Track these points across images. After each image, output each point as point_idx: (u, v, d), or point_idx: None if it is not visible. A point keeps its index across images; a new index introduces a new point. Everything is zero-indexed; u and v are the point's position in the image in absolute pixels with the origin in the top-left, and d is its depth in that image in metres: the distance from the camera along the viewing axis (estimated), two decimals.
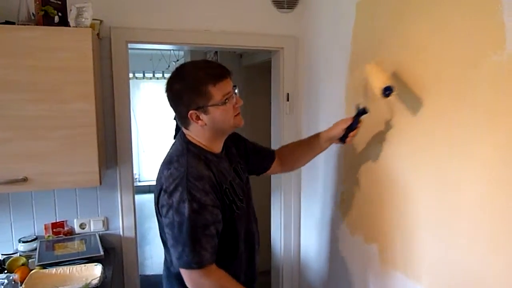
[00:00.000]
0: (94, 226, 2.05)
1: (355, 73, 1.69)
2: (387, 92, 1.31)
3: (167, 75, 5.25)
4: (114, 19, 1.94)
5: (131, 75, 6.06)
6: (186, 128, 1.31)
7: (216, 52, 3.49)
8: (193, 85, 1.23)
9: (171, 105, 1.29)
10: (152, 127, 6.29)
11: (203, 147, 1.30)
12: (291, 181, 2.32)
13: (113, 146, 2.01)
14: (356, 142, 1.69)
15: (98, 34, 1.87)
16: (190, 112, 1.24)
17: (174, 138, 1.41)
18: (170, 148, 1.37)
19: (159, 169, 1.30)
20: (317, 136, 1.61)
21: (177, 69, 1.28)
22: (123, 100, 2.00)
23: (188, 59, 3.88)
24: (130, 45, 2.01)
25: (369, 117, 1.51)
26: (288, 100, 2.24)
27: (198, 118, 1.24)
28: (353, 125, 1.50)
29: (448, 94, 1.20)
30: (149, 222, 4.81)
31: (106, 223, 2.07)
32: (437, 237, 1.26)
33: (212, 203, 1.20)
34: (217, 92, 1.23)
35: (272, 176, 2.44)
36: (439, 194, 1.25)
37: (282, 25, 2.20)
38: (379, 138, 1.54)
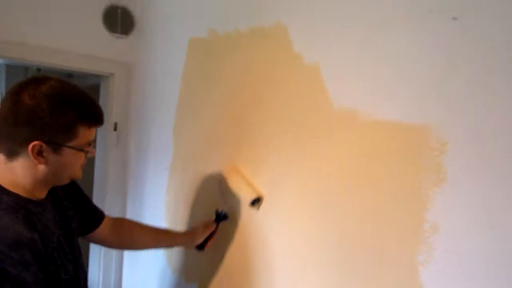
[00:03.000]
0: None
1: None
2: (254, 203, 1.27)
3: None
4: None
5: None
6: (9, 158, 0.93)
7: (39, 69, 3.10)
8: (61, 112, 0.91)
9: (1, 121, 0.92)
10: None
11: (22, 194, 0.95)
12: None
13: None
14: (178, 180, 1.68)
15: None
16: (35, 143, 0.90)
17: None
18: None
19: None
20: (170, 234, 1.43)
21: (39, 79, 0.93)
22: None
23: (3, 74, 3.33)
24: None
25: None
26: (115, 129, 2.11)
27: (40, 153, 0.91)
28: (213, 231, 1.38)
29: (262, 147, 1.30)
30: None
31: None
32: (244, 272, 1.31)
33: (34, 279, 0.88)
34: (85, 136, 0.96)
35: None
36: (248, 247, 1.31)
37: (114, 49, 2.08)
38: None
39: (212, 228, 1.36)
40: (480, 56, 0.81)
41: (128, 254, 2.15)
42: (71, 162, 0.98)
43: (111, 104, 2.11)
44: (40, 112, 0.89)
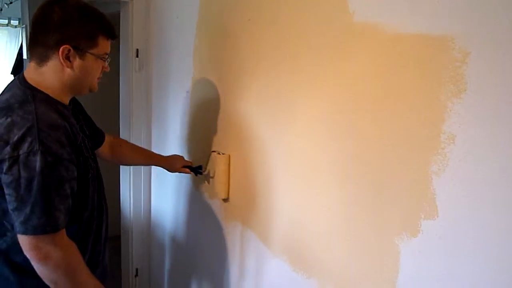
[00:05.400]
0: None
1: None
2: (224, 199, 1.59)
3: (1, 21, 4.49)
4: None
5: None
6: (40, 63, 1.08)
7: None
8: (85, 21, 1.07)
9: (37, 28, 1.07)
10: None
11: (53, 96, 1.10)
12: (141, 139, 2.25)
13: None
14: (198, 100, 1.72)
15: None
16: (64, 46, 1.05)
17: (12, 74, 1.21)
18: (2, 94, 1.12)
19: None
20: (154, 157, 1.74)
21: None
22: None
23: (26, 2, 3.36)
24: None
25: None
26: (137, 56, 2.12)
27: (67, 57, 1.07)
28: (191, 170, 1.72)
29: (282, 66, 1.30)
30: None
31: None
32: (264, 192, 1.39)
33: (68, 157, 1.04)
34: (103, 46, 1.13)
35: (121, 136, 2.32)
36: (268, 159, 1.37)
37: None
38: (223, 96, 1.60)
39: (186, 172, 1.71)
40: None
41: (155, 175, 2.28)
42: (91, 69, 1.14)
43: (131, 30, 2.11)
44: (70, 20, 1.06)
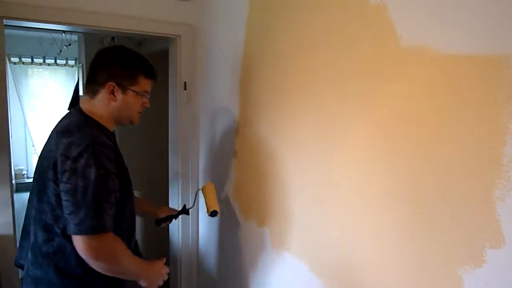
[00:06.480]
0: None
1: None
2: (212, 214, 1.75)
3: (60, 61, 5.01)
4: None
5: (16, 59, 5.46)
6: (92, 97, 1.32)
7: (113, 38, 3.30)
8: (128, 64, 1.32)
9: (91, 69, 1.33)
10: (43, 118, 5.73)
11: (101, 122, 1.31)
12: (189, 168, 2.31)
13: None
14: (246, 132, 1.74)
15: None
16: (110, 82, 1.28)
17: (68, 109, 1.40)
18: (62, 121, 1.34)
19: (53, 139, 1.26)
20: (141, 207, 1.74)
21: (115, 46, 1.40)
22: None
23: (82, 44, 3.66)
24: (7, 22, 1.80)
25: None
26: (185, 89, 2.21)
27: (112, 92, 1.29)
28: (175, 217, 1.80)
29: (331, 91, 1.30)
30: None
31: None
32: (315, 220, 1.37)
33: (115, 171, 1.23)
34: (143, 84, 1.34)
35: (170, 164, 2.40)
36: (318, 186, 1.35)
37: (179, 12, 2.16)
38: (267, 131, 1.61)
39: (174, 212, 1.80)
40: None
41: (202, 201, 2.29)
42: (132, 103, 1.34)
43: (179, 64, 2.20)
44: (116, 62, 1.31)
